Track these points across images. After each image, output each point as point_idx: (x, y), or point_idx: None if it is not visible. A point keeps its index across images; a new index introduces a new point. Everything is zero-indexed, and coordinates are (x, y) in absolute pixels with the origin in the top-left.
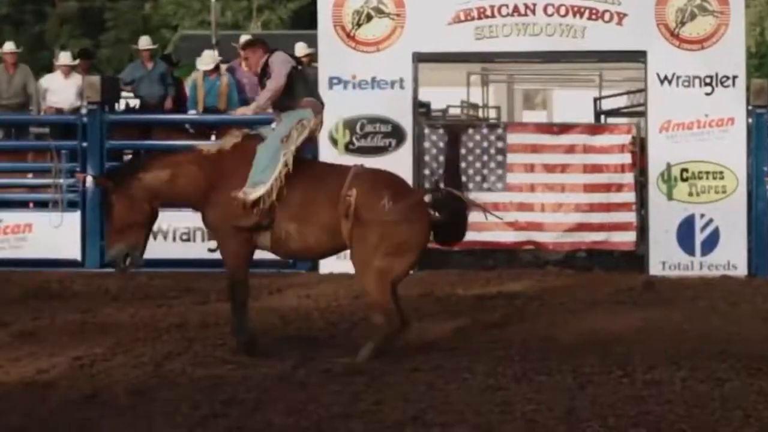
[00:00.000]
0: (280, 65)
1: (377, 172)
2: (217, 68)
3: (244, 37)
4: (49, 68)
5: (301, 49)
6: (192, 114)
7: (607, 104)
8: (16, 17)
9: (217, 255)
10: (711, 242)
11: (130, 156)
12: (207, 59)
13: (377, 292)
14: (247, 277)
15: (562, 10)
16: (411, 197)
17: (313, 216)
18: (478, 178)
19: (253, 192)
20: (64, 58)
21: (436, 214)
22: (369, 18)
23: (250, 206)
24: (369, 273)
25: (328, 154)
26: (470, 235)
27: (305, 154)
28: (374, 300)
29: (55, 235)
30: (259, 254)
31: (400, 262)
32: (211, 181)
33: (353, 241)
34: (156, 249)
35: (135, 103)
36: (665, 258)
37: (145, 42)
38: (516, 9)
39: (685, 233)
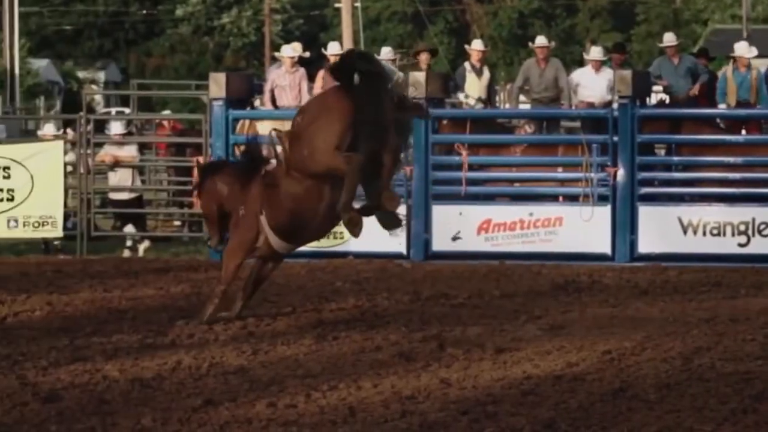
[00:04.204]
0: None
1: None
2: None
3: None
4: (580, 62)
5: None
6: (721, 108)
7: None
8: (548, 11)
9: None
10: None
11: (662, 150)
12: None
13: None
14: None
15: None
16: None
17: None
18: None
19: None
20: (595, 53)
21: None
22: None
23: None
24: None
25: None
26: None
27: None
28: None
29: (585, 229)
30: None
31: (330, 130)
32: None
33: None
34: (686, 243)
35: (666, 97)
36: None
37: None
38: None
39: None
